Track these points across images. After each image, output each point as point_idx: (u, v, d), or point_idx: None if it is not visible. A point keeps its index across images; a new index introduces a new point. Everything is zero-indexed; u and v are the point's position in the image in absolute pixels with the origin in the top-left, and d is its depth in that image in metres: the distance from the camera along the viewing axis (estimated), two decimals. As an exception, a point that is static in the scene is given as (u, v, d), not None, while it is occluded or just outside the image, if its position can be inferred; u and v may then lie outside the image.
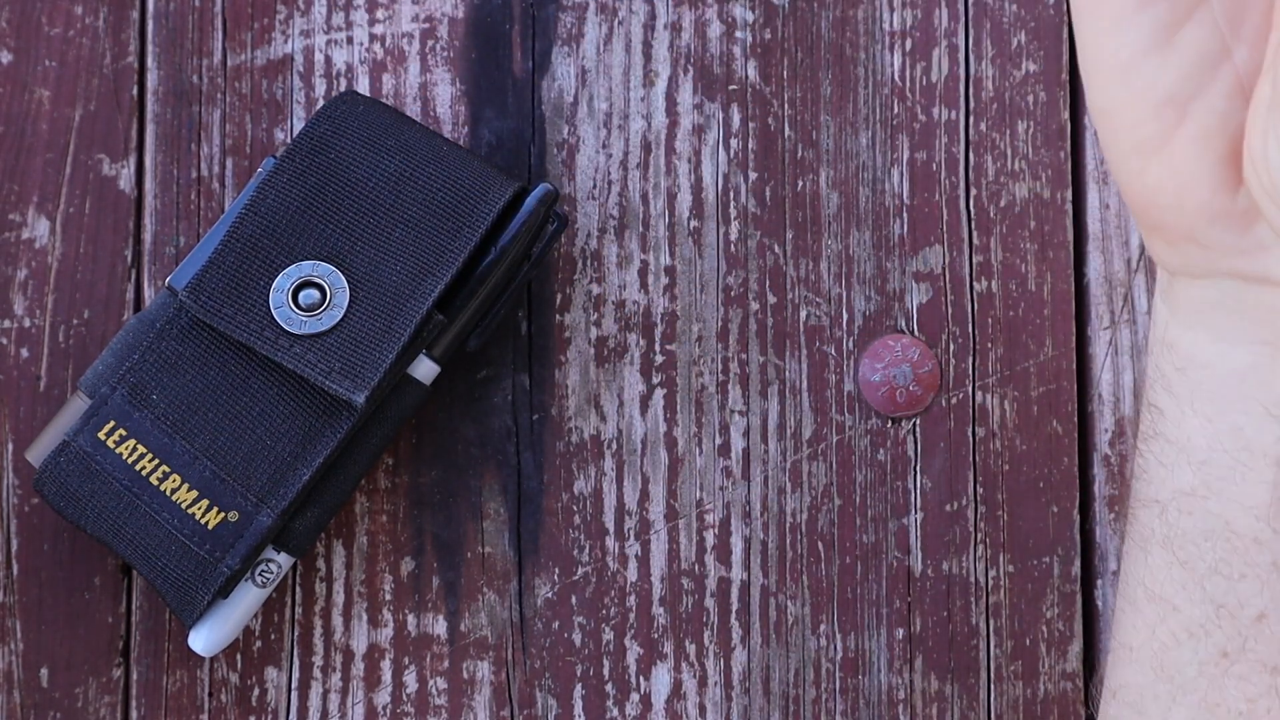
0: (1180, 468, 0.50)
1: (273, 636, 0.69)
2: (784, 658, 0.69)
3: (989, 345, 0.70)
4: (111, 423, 0.66)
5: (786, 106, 0.71)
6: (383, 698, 0.69)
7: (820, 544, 0.69)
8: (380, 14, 0.71)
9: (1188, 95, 0.47)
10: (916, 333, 0.70)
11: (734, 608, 0.69)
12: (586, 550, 0.69)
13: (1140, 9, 0.46)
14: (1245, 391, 0.49)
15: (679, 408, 0.70)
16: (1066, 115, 0.71)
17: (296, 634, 0.69)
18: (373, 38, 0.71)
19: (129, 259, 0.70)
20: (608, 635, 0.69)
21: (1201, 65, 0.47)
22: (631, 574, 0.69)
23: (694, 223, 0.70)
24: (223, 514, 0.66)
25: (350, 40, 0.71)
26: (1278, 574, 0.49)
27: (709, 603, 0.69)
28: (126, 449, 0.66)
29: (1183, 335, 0.50)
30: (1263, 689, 0.50)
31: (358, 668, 0.69)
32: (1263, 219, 0.48)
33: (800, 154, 0.71)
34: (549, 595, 0.69)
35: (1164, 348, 0.51)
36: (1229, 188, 0.48)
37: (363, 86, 0.70)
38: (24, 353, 0.69)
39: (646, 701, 0.69)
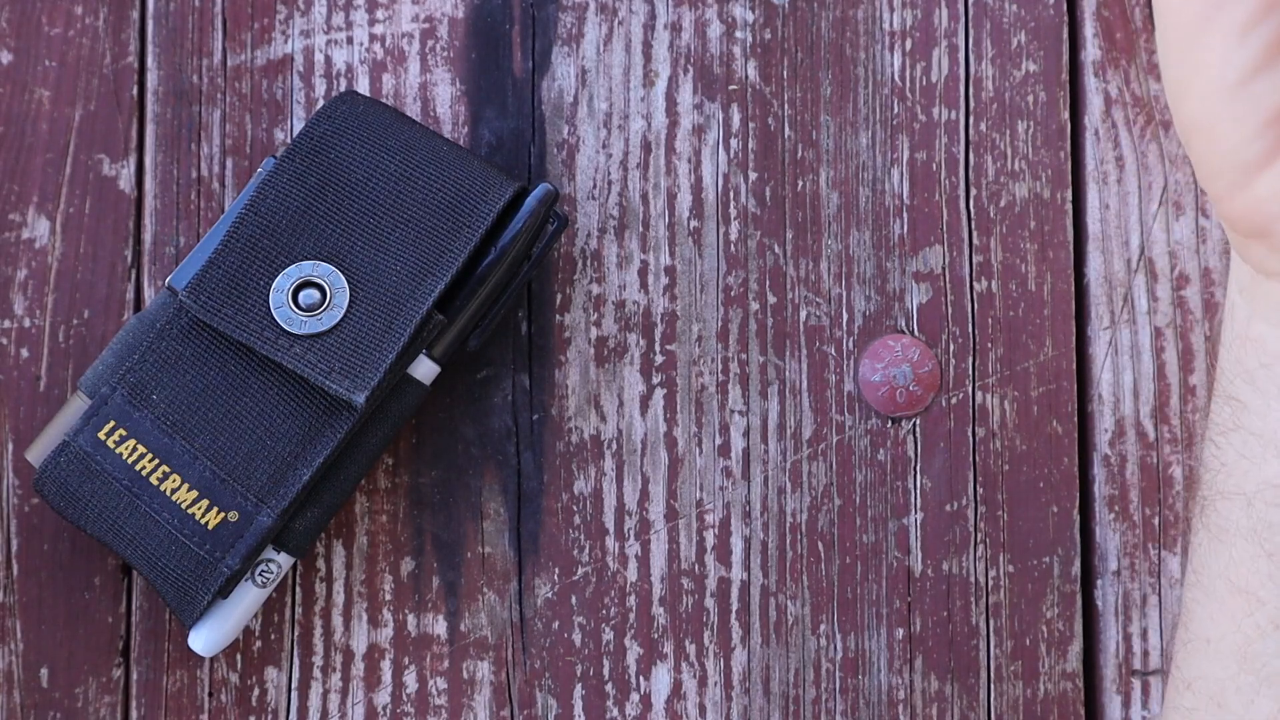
0: (1268, 460, 0.50)
1: (273, 636, 0.69)
2: (784, 658, 0.69)
3: (989, 345, 0.70)
4: (111, 423, 0.66)
5: (786, 106, 0.71)
6: (383, 698, 0.69)
7: (820, 544, 0.69)
8: (380, 14, 0.71)
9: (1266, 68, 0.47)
10: (916, 333, 0.70)
11: (734, 608, 0.69)
12: (586, 550, 0.69)
13: (1253, 26, 0.45)
14: None
15: (679, 408, 0.70)
16: (1066, 115, 0.71)
17: (296, 634, 0.69)
18: (373, 38, 0.71)
19: (129, 259, 0.70)
20: (608, 635, 0.69)
21: None
22: (631, 574, 0.69)
23: (694, 223, 0.70)
24: (223, 514, 0.66)
25: (350, 40, 0.71)
26: None
27: (709, 603, 0.69)
28: (126, 449, 0.66)
29: (1269, 331, 0.50)
30: None
31: (358, 668, 0.69)
32: None
33: (800, 154, 0.71)
34: (549, 595, 0.69)
35: (1247, 342, 0.50)
36: None
37: (363, 86, 0.70)
38: (24, 353, 0.69)
39: (646, 701, 0.69)
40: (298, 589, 0.69)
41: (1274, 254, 0.48)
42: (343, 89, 0.70)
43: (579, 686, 0.69)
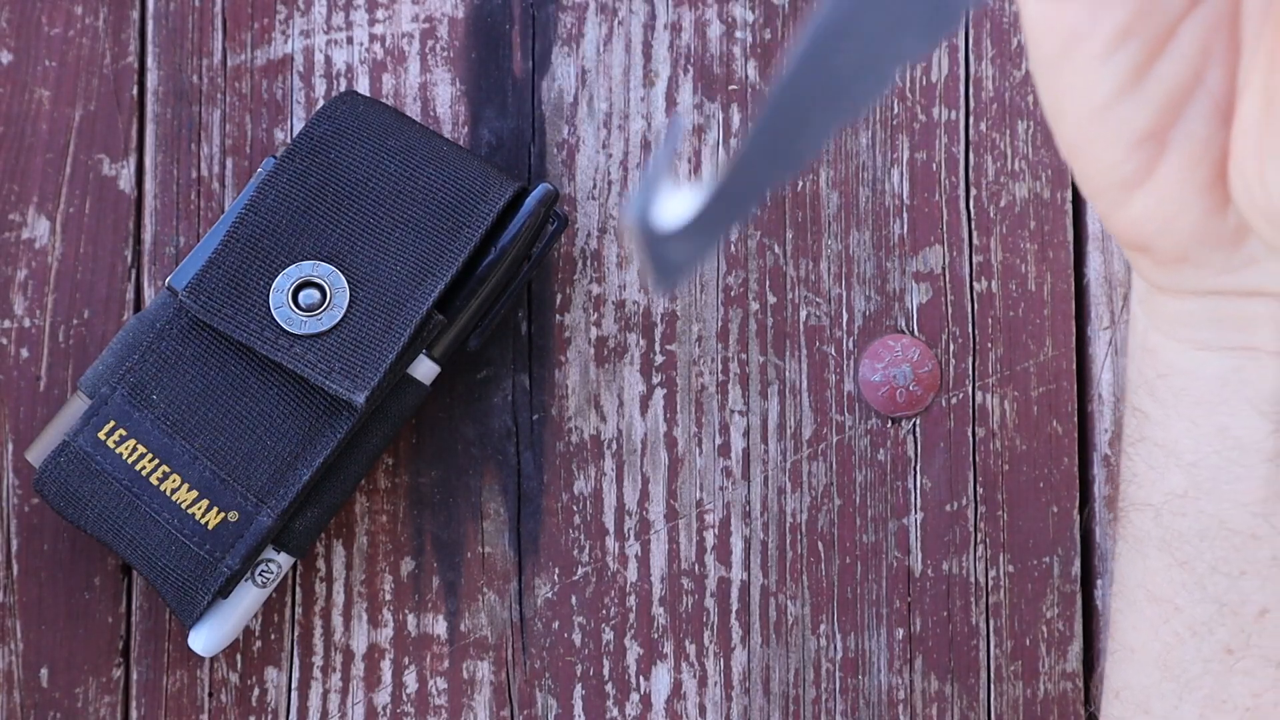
0: (1170, 470, 0.51)
1: (273, 636, 0.69)
2: (784, 658, 0.69)
3: (989, 345, 0.70)
4: (111, 423, 0.66)
5: (786, 106, 0.71)
6: (383, 698, 0.69)
7: (820, 544, 0.69)
8: (380, 14, 0.71)
9: (1166, 127, 0.47)
10: (916, 333, 0.70)
11: (734, 608, 0.69)
12: (586, 550, 0.69)
13: (1111, 53, 0.46)
14: (1228, 394, 0.49)
15: (679, 408, 0.70)
16: (1066, 115, 0.71)
17: (296, 634, 0.69)
18: (373, 38, 0.71)
19: (129, 259, 0.70)
20: (608, 635, 0.69)
21: (1176, 96, 0.47)
22: (631, 574, 0.69)
23: (694, 223, 0.70)
24: (223, 514, 0.66)
25: (350, 40, 0.71)
26: (1278, 568, 0.50)
27: (709, 603, 0.69)
28: (126, 449, 0.66)
29: (1163, 343, 0.50)
30: (1268, 683, 0.50)
31: (358, 668, 0.69)
32: (1252, 236, 0.48)
33: (800, 154, 0.70)
34: (549, 595, 0.69)
35: (1145, 353, 0.51)
36: (1217, 209, 0.48)
37: (363, 86, 0.70)
38: (24, 353, 0.69)
39: (646, 701, 0.69)
40: (298, 589, 0.69)
41: (1158, 268, 0.49)
42: (343, 89, 0.70)
43: (579, 686, 0.69)
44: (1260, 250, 0.48)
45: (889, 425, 0.70)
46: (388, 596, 0.69)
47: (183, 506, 0.66)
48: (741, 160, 0.35)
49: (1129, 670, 0.54)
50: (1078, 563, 0.69)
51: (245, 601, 0.67)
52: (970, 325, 0.70)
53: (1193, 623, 0.51)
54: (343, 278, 0.66)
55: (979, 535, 0.70)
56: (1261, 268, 0.48)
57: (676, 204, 0.36)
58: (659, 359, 0.70)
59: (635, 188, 0.35)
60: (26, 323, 0.69)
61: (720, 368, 0.70)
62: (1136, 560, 0.53)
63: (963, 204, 0.71)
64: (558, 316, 0.70)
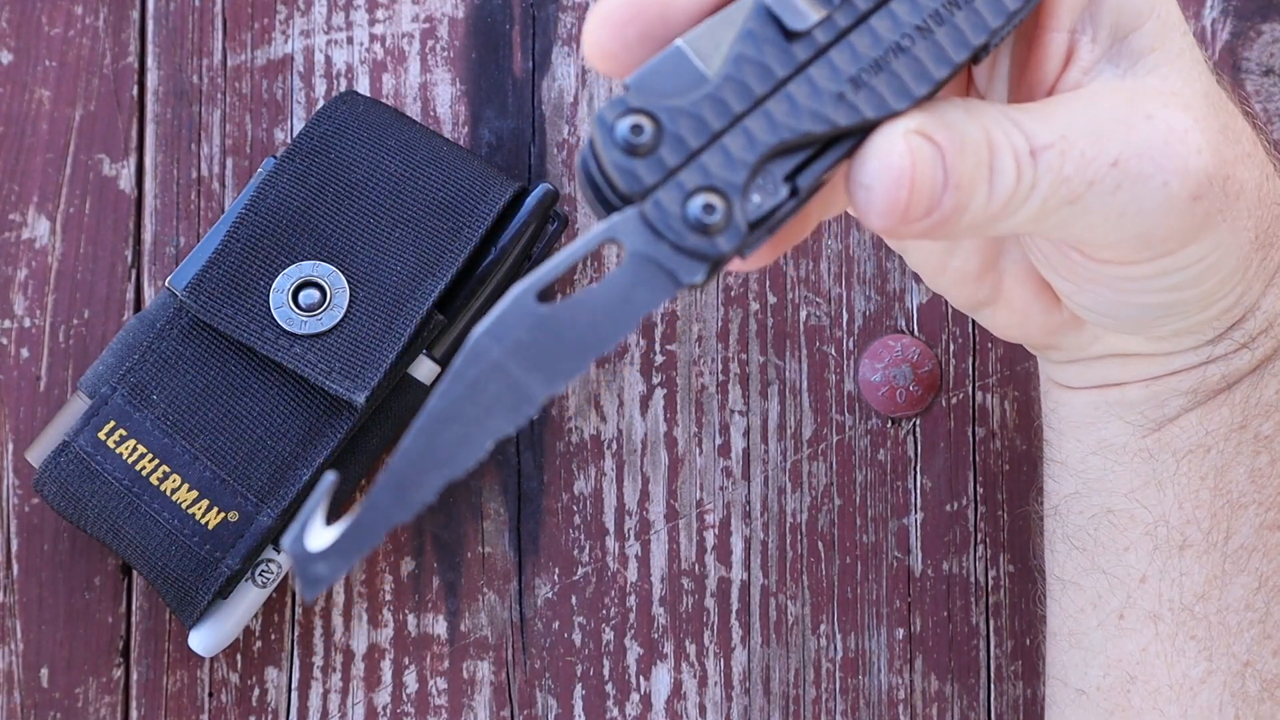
0: (1065, 478, 0.62)
1: (273, 636, 0.69)
2: (784, 658, 0.69)
3: (989, 345, 0.70)
4: (112, 423, 0.66)
5: (787, 106, 0.71)
6: (383, 698, 0.69)
7: (820, 544, 0.69)
8: (380, 14, 0.71)
9: (992, 263, 0.60)
10: (917, 333, 0.70)
11: (734, 608, 0.69)
12: (586, 550, 0.69)
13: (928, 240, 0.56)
14: (1099, 414, 0.60)
15: (679, 408, 0.70)
16: (1067, 115, 0.71)
17: (297, 634, 0.69)
18: (373, 38, 0.71)
19: (129, 259, 0.70)
20: (608, 635, 0.69)
21: (993, 242, 0.59)
22: (632, 574, 0.69)
23: (694, 223, 0.70)
24: (223, 514, 0.66)
25: (350, 40, 0.71)
26: (1150, 542, 0.60)
27: (709, 603, 0.69)
28: (127, 449, 0.66)
29: (1051, 388, 0.62)
30: (1149, 637, 0.60)
31: (358, 668, 0.69)
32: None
33: (800, 154, 0.70)
34: (549, 595, 0.69)
35: (1044, 396, 0.63)
36: (1055, 306, 0.60)
37: (363, 86, 0.70)
38: (24, 353, 0.69)
39: (647, 701, 0.69)
40: (298, 589, 0.69)
41: (1038, 351, 0.63)
42: (343, 89, 0.70)
43: (579, 686, 0.69)
44: (1100, 329, 0.59)
45: (889, 425, 0.70)
46: (388, 596, 0.69)
47: (183, 506, 0.66)
48: (371, 503, 0.47)
49: (1053, 651, 0.63)
50: (1078, 563, 0.69)
51: (245, 602, 0.67)
52: (970, 325, 0.70)
53: (1091, 596, 0.61)
54: (343, 278, 0.66)
55: (979, 535, 0.70)
56: (1099, 341, 0.60)
57: (323, 533, 0.47)
58: (659, 359, 0.70)
59: (294, 522, 0.48)
60: (27, 323, 0.69)
61: (720, 368, 0.70)
62: (1049, 556, 0.63)
63: (963, 204, 0.71)
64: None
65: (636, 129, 0.48)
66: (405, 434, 0.48)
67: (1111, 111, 0.53)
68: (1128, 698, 0.61)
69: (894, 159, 0.49)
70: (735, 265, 0.51)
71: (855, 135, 0.50)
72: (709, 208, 0.48)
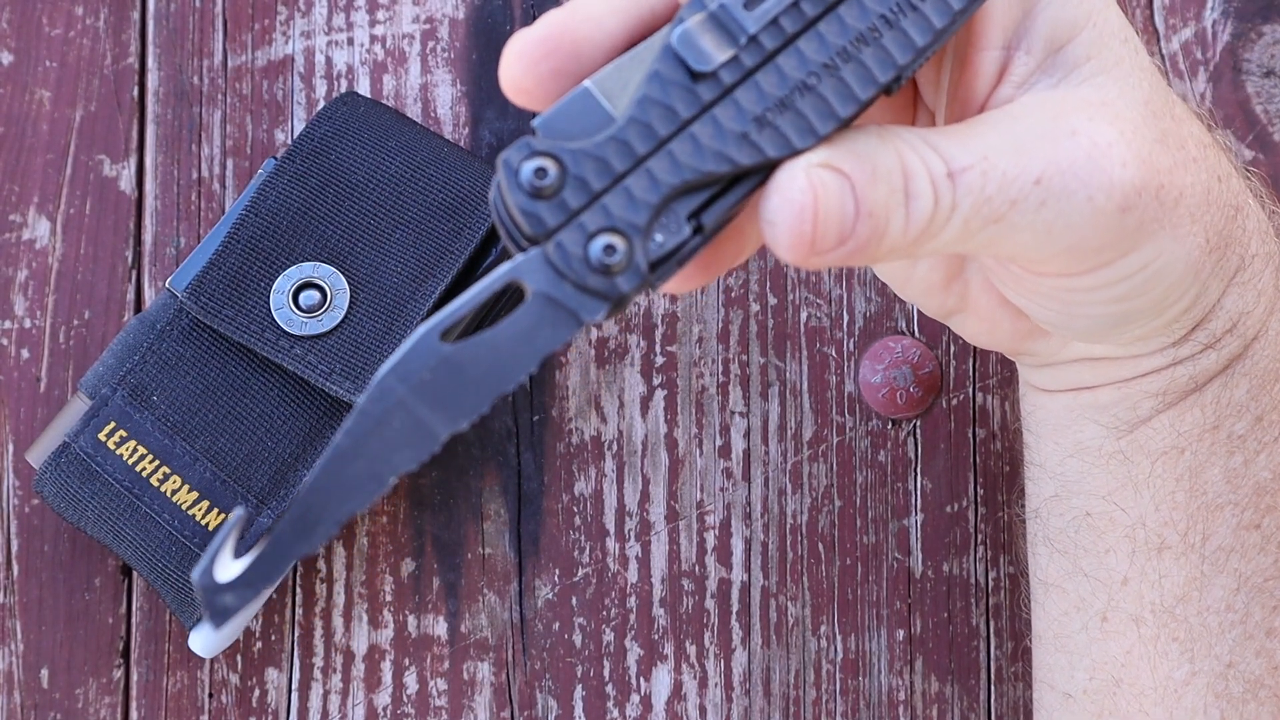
0: (1044, 481, 0.62)
1: (273, 637, 0.69)
2: (784, 659, 0.69)
3: (990, 346, 0.70)
4: (112, 424, 0.66)
5: (787, 107, 0.71)
6: (383, 699, 0.69)
7: (821, 545, 0.69)
8: (381, 15, 0.71)
9: (958, 272, 0.60)
10: (917, 334, 0.70)
11: (734, 609, 0.69)
12: (587, 551, 0.69)
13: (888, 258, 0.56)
14: (1074, 416, 0.61)
15: (679, 409, 0.70)
16: (1067, 116, 0.71)
17: (297, 635, 0.69)
18: (373, 38, 0.71)
19: (129, 260, 0.70)
20: (608, 636, 0.69)
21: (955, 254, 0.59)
22: (632, 575, 0.69)
23: (694, 224, 0.70)
24: (223, 515, 0.66)
25: (351, 41, 0.71)
26: (1129, 544, 0.60)
27: (709, 604, 0.69)
28: (127, 450, 0.66)
29: (1028, 390, 0.63)
30: (1133, 639, 0.60)
31: (358, 669, 0.69)
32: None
33: (801, 155, 0.70)
34: (549, 596, 0.69)
35: (1022, 400, 0.64)
36: (1021, 314, 0.60)
37: (363, 87, 0.70)
38: (24, 353, 0.69)
39: (647, 703, 0.69)
40: (298, 590, 0.69)
41: (1012, 357, 0.63)
42: (343, 90, 0.70)
43: (579, 687, 0.69)
44: (1063, 337, 0.60)
45: (889, 426, 0.70)
46: (388, 597, 0.69)
47: (183, 508, 0.66)
48: (277, 536, 0.49)
49: (1038, 654, 0.64)
50: (1078, 564, 0.69)
51: (245, 602, 0.67)
52: (971, 326, 0.70)
53: (1075, 599, 0.62)
54: (343, 279, 0.66)
55: (979, 536, 0.70)
56: (1069, 346, 0.60)
57: (230, 566, 0.49)
58: (659, 360, 0.70)
59: (203, 555, 0.50)
60: (27, 323, 0.69)
61: (721, 369, 0.70)
62: (1032, 559, 0.63)
63: (963, 205, 0.71)
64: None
65: (540, 172, 0.50)
66: (310, 470, 0.50)
67: (1035, 128, 0.53)
68: (1114, 700, 0.61)
69: (794, 194, 0.50)
70: (665, 288, 0.52)
71: (760, 172, 0.51)
72: (610, 248, 0.50)
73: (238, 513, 0.50)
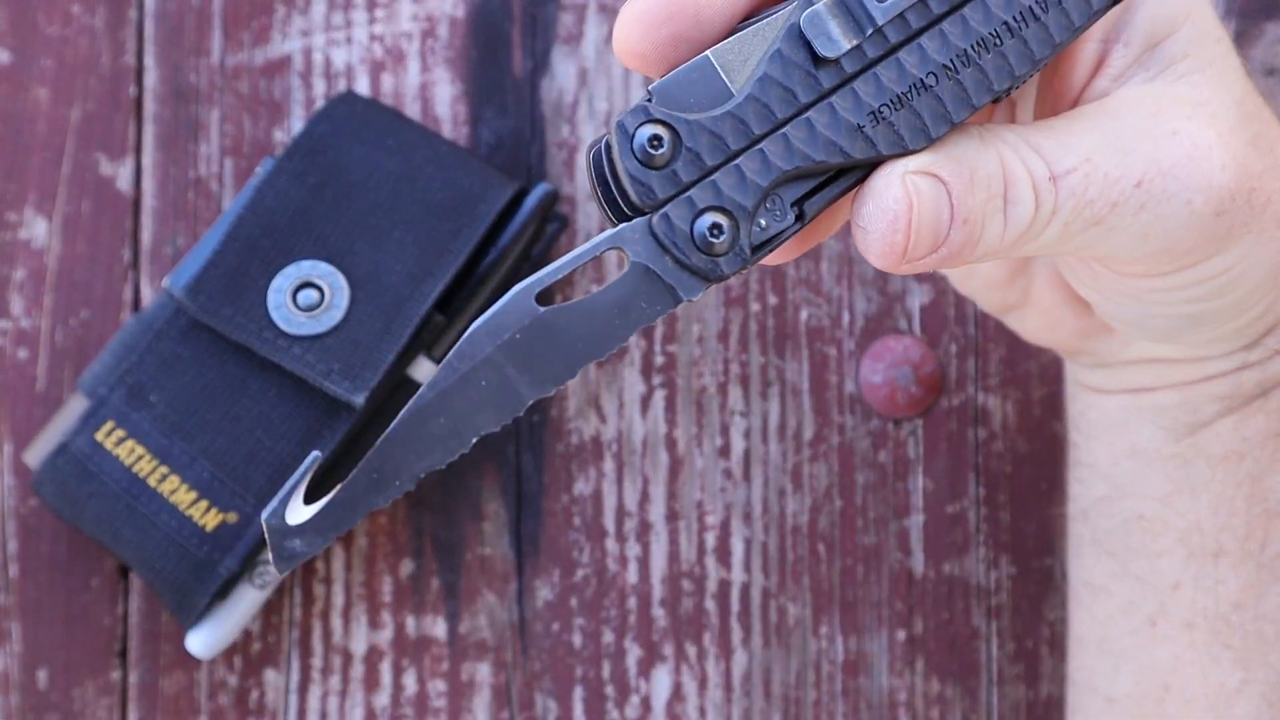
0: (1094, 482, 0.62)
1: (271, 638, 0.69)
2: (785, 660, 0.69)
3: (990, 346, 0.70)
4: (110, 424, 0.66)
5: (787, 106, 0.70)
6: (382, 700, 0.69)
7: (821, 545, 0.69)
8: (379, 13, 0.70)
9: (1023, 268, 0.60)
10: (918, 334, 0.70)
11: (734, 609, 0.69)
12: (586, 552, 0.69)
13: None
14: (1130, 417, 0.60)
15: (679, 409, 0.70)
16: (1068, 115, 0.71)
17: (295, 636, 0.69)
18: (372, 37, 0.70)
19: (127, 259, 0.70)
20: (608, 637, 0.69)
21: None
22: (632, 575, 0.69)
23: (694, 223, 0.70)
24: (221, 515, 0.65)
25: (349, 40, 0.70)
26: (1184, 548, 0.59)
27: (709, 604, 0.69)
28: (125, 450, 0.66)
29: (1081, 392, 0.62)
30: (1184, 645, 0.60)
31: (357, 670, 0.69)
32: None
33: (801, 154, 0.70)
34: (549, 597, 0.69)
35: (1072, 400, 0.63)
36: (1086, 312, 0.60)
37: (362, 86, 0.70)
38: (22, 353, 0.69)
39: (646, 704, 0.69)
40: (297, 591, 0.69)
41: (1069, 357, 0.63)
42: (342, 89, 0.70)
43: (579, 688, 0.69)
44: (1127, 336, 0.59)
45: (890, 426, 0.70)
46: (387, 598, 0.69)
47: (181, 508, 0.65)
48: (351, 485, 0.49)
49: (1079, 656, 0.63)
50: (1079, 564, 0.69)
51: (244, 603, 0.67)
52: (972, 326, 0.70)
53: (1122, 602, 0.61)
54: (342, 278, 0.66)
55: (981, 537, 0.70)
56: (1132, 346, 0.60)
57: (301, 510, 0.49)
58: (659, 360, 0.70)
59: (275, 497, 0.50)
60: (24, 323, 0.69)
61: (721, 369, 0.70)
62: (1076, 560, 0.63)
63: (964, 204, 0.70)
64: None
65: (655, 140, 0.49)
66: (392, 422, 0.49)
67: (1136, 126, 0.53)
68: (1160, 706, 0.60)
69: (889, 203, 0.50)
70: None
71: (867, 167, 0.51)
72: (716, 228, 0.49)
73: (314, 455, 0.50)
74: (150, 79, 0.70)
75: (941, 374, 0.70)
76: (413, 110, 0.70)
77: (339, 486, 0.49)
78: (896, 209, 0.50)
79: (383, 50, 0.70)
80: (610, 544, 0.69)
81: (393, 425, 0.49)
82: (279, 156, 0.67)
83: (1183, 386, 0.59)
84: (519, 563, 0.69)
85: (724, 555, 0.69)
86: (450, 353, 0.49)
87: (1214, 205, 0.53)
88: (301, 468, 0.49)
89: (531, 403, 0.49)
